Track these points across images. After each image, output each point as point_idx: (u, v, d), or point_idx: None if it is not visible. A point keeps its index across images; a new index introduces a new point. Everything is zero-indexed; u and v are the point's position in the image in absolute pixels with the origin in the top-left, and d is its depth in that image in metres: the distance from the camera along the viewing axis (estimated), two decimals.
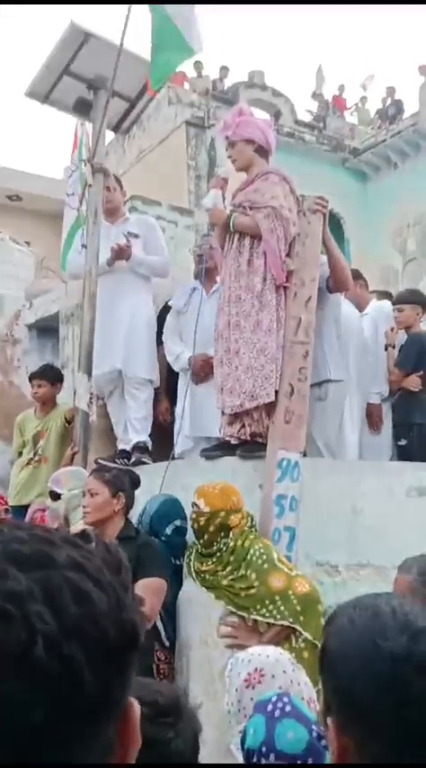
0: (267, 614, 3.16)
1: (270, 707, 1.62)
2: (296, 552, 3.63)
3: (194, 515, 3.43)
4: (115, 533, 3.42)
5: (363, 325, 5.02)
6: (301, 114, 15.30)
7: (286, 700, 1.64)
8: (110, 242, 4.85)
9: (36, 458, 5.28)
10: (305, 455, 3.86)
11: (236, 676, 1.91)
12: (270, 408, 3.81)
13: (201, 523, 3.39)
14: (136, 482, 3.66)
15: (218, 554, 3.37)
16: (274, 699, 1.65)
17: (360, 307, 5.16)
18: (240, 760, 1.94)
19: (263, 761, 1.55)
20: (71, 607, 0.58)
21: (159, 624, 3.45)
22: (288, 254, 3.92)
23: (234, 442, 3.93)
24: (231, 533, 3.37)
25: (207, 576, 3.39)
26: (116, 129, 5.35)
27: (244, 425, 3.89)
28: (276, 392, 3.76)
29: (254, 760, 1.57)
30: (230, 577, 3.30)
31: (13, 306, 7.39)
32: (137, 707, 0.66)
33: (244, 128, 4.13)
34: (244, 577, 3.26)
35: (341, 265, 4.18)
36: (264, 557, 3.28)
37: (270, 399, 3.74)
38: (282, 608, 3.14)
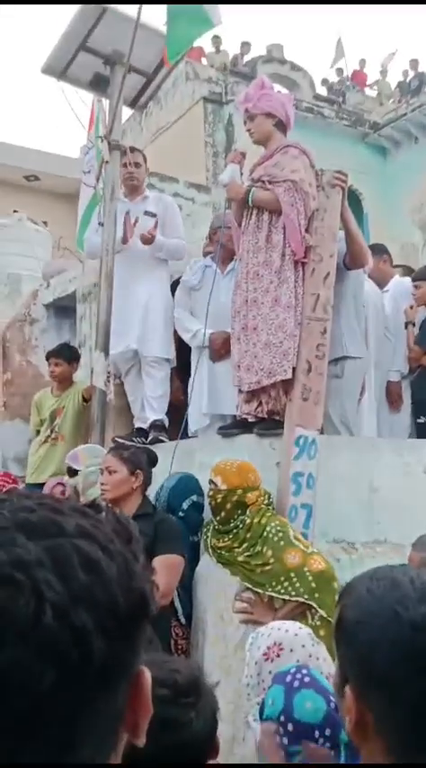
0: (282, 591, 3.17)
1: (289, 678, 1.64)
2: (312, 529, 3.63)
3: (211, 492, 3.44)
4: (133, 511, 3.44)
5: (384, 301, 4.97)
6: (320, 88, 15.11)
7: (304, 671, 1.66)
8: (128, 220, 4.82)
9: (53, 435, 5.31)
10: (322, 432, 3.84)
11: (256, 650, 1.93)
12: (287, 386, 3.79)
13: (218, 501, 3.40)
14: (153, 460, 3.68)
15: (235, 531, 3.38)
16: (293, 670, 1.67)
17: (384, 283, 5.11)
18: (257, 732, 1.96)
19: (281, 730, 1.57)
20: (80, 575, 0.58)
21: (176, 600, 3.47)
22: (306, 230, 3.87)
23: (251, 419, 3.92)
24: (248, 510, 3.38)
25: (223, 553, 3.40)
26: (133, 104, 5.31)
27: (260, 403, 3.88)
28: (293, 369, 3.74)
29: (273, 729, 1.58)
30: (246, 554, 3.31)
31: (30, 285, 7.42)
32: (148, 675, 0.66)
33: (265, 101, 4.08)
34: (259, 554, 3.27)
35: (359, 241, 4.13)
36: (280, 534, 3.29)
37: (288, 376, 3.72)
38: (297, 584, 3.15)
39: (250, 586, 3.27)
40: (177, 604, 3.49)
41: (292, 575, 3.17)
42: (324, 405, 3.91)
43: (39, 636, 0.55)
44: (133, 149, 5.05)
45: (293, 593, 3.15)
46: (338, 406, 4.17)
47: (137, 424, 4.93)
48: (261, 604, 3.24)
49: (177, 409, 4.80)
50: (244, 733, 2.99)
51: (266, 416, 3.89)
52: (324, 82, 16.89)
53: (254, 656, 1.93)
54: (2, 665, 0.54)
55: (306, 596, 3.13)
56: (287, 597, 3.16)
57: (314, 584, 3.14)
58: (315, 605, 3.11)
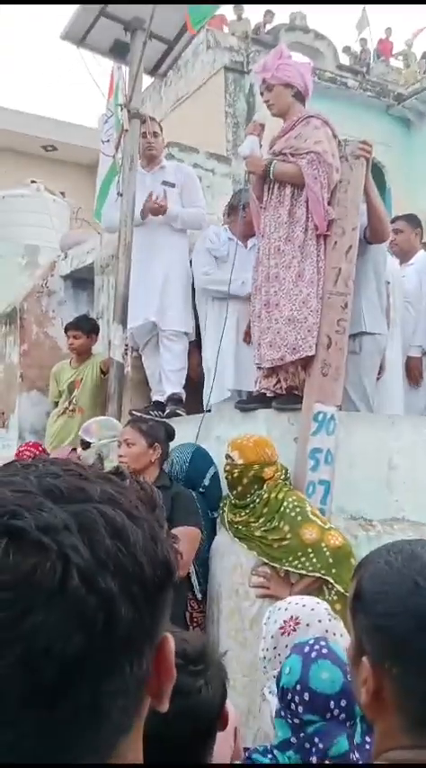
0: (299, 566, 3.18)
1: (307, 648, 1.65)
2: (330, 506, 3.62)
3: (228, 467, 3.43)
4: (151, 483, 3.44)
5: (407, 275, 4.88)
6: (342, 57, 14.80)
7: (323, 643, 1.67)
8: (146, 190, 4.76)
9: (71, 407, 5.32)
10: (340, 409, 3.80)
11: (273, 623, 1.95)
12: (305, 361, 3.75)
13: (235, 475, 3.39)
14: (171, 434, 3.68)
15: (252, 505, 3.38)
16: (311, 641, 1.69)
17: (411, 255, 5.03)
18: (273, 704, 1.97)
19: (297, 698, 1.58)
20: (106, 540, 0.58)
21: (192, 574, 3.48)
22: (329, 202, 3.80)
23: (269, 394, 3.89)
24: (265, 485, 3.37)
25: (240, 527, 3.40)
26: (153, 72, 5.22)
27: (279, 380, 3.84)
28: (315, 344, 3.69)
29: (289, 698, 1.60)
30: (263, 528, 3.31)
31: (48, 257, 7.38)
32: (171, 642, 0.66)
33: (283, 71, 3.97)
34: (277, 529, 3.27)
35: (381, 215, 4.04)
36: (298, 509, 3.29)
37: (313, 352, 3.68)
38: (314, 560, 3.16)
39: (266, 561, 3.28)
40: (193, 578, 3.50)
41: (309, 550, 3.17)
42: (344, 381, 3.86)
43: (66, 600, 0.55)
44: (150, 119, 4.97)
45: (310, 568, 3.15)
46: (356, 381, 4.12)
47: (155, 397, 4.92)
48: (277, 579, 3.25)
49: (195, 384, 4.77)
50: (259, 705, 3.00)
51: (284, 392, 3.86)
52: (346, 50, 16.54)
53: (271, 630, 1.96)
54: (30, 628, 0.54)
55: (323, 572, 3.14)
56: (304, 572, 3.16)
57: (331, 560, 3.14)
58: (331, 580, 3.11)
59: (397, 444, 3.97)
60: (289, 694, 1.60)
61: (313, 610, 1.95)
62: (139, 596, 0.59)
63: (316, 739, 1.54)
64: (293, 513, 3.28)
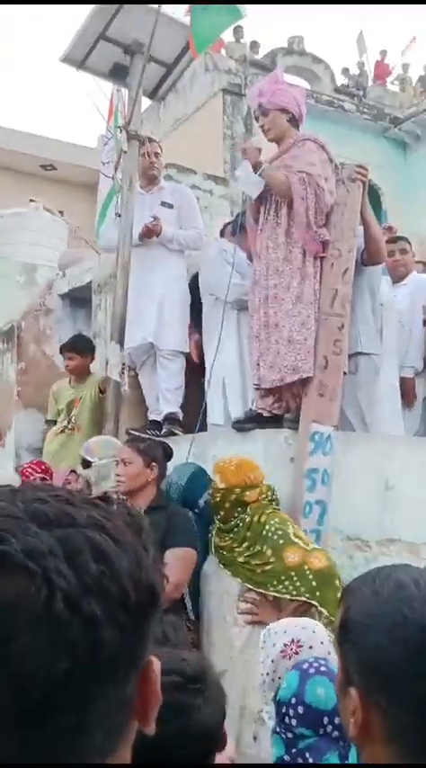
0: (283, 590, 3.10)
1: (305, 665, 1.69)
2: (326, 526, 3.61)
3: (211, 491, 3.38)
4: (147, 503, 3.44)
5: (400, 296, 4.92)
6: (340, 78, 14.93)
7: (322, 661, 1.70)
8: (144, 211, 4.80)
9: (70, 426, 5.31)
10: (337, 429, 3.81)
11: (271, 647, 1.93)
12: (305, 382, 3.76)
13: (217, 499, 3.34)
14: (169, 454, 3.68)
15: (236, 529, 3.31)
16: (311, 660, 1.71)
17: (404, 276, 5.08)
18: (270, 727, 1.96)
19: (292, 711, 1.60)
20: (91, 565, 0.59)
21: (186, 595, 3.45)
22: (324, 225, 3.83)
23: (266, 414, 3.90)
24: (248, 509, 3.30)
25: (224, 553, 3.34)
26: (152, 95, 5.28)
27: (279, 399, 3.85)
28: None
29: (283, 711, 1.62)
30: (246, 554, 3.24)
31: (45, 275, 7.41)
32: (157, 665, 0.67)
33: (279, 96, 4.03)
34: (259, 553, 3.20)
35: (377, 238, 4.08)
36: (280, 532, 3.20)
37: (312, 374, 3.69)
38: (298, 584, 3.07)
39: (251, 587, 3.20)
40: (187, 599, 3.47)
41: (292, 574, 3.09)
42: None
43: (51, 624, 0.56)
44: (150, 139, 5.03)
45: (294, 592, 3.07)
46: (353, 402, 4.14)
47: (152, 417, 4.92)
48: (265, 604, 3.17)
49: (195, 370, 4.69)
50: (254, 732, 2.98)
51: (281, 413, 3.88)
52: (345, 71, 16.72)
53: (271, 654, 1.92)
54: (15, 652, 0.55)
55: (307, 595, 3.05)
56: (288, 597, 3.08)
57: (314, 583, 3.05)
58: (316, 604, 3.02)
59: (393, 465, 3.98)
60: (285, 707, 1.61)
61: (314, 632, 1.94)
62: (124, 620, 0.60)
63: (307, 754, 1.55)
64: (275, 537, 3.19)
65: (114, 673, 0.60)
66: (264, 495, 3.35)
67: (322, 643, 1.90)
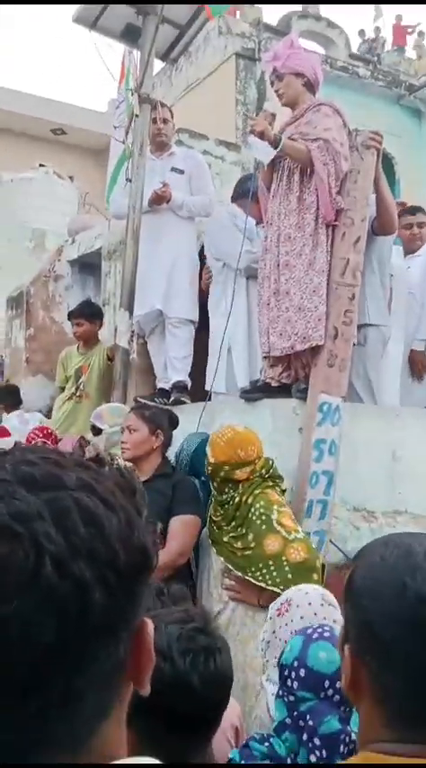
0: (260, 577, 2.99)
1: (310, 630, 1.69)
2: (333, 497, 3.62)
3: (206, 462, 3.27)
4: (152, 470, 3.45)
5: (412, 267, 4.86)
6: (355, 40, 14.62)
7: (327, 628, 1.70)
8: (155, 176, 4.75)
9: (77, 393, 5.33)
10: (345, 400, 3.80)
11: (272, 609, 2.01)
12: (314, 352, 3.74)
13: (209, 472, 3.24)
14: (174, 422, 3.67)
15: (226, 506, 3.20)
16: (316, 625, 1.72)
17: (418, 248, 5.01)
18: (269, 692, 2.00)
19: (294, 674, 1.61)
20: (80, 527, 0.58)
21: (192, 561, 3.47)
22: (338, 192, 3.78)
23: (274, 384, 3.89)
24: (240, 485, 3.15)
25: (215, 528, 3.26)
26: (165, 57, 5.20)
27: (288, 368, 3.83)
28: None
29: (286, 674, 1.63)
30: (231, 534, 3.14)
31: (55, 241, 7.38)
32: (150, 627, 0.67)
33: (294, 60, 3.95)
34: (243, 536, 3.08)
35: (390, 207, 4.02)
36: (263, 517, 3.05)
37: (322, 342, 3.66)
38: (274, 574, 2.96)
39: (231, 568, 3.12)
40: (192, 566, 3.49)
41: (270, 563, 2.97)
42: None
43: (39, 588, 0.55)
44: (161, 104, 4.95)
45: (269, 581, 2.96)
46: (361, 373, 4.12)
47: (160, 385, 4.92)
48: (247, 584, 3.07)
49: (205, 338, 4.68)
50: (254, 698, 3.01)
51: (290, 382, 3.86)
52: (361, 33, 16.38)
53: (270, 614, 2.02)
54: (3, 616, 0.55)
55: (281, 587, 2.88)
56: (263, 585, 2.98)
57: (290, 576, 2.91)
58: None
59: (401, 436, 3.98)
60: (287, 670, 1.64)
61: (306, 593, 1.99)
62: (114, 582, 0.59)
63: (308, 717, 1.57)
64: (259, 522, 3.04)
65: (105, 635, 0.60)
66: (257, 473, 3.18)
67: (309, 604, 1.94)
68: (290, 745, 1.57)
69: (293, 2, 12.00)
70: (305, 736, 1.55)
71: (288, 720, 1.60)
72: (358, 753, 0.98)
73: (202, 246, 4.88)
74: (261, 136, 3.81)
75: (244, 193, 4.30)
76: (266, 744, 1.61)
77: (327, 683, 1.58)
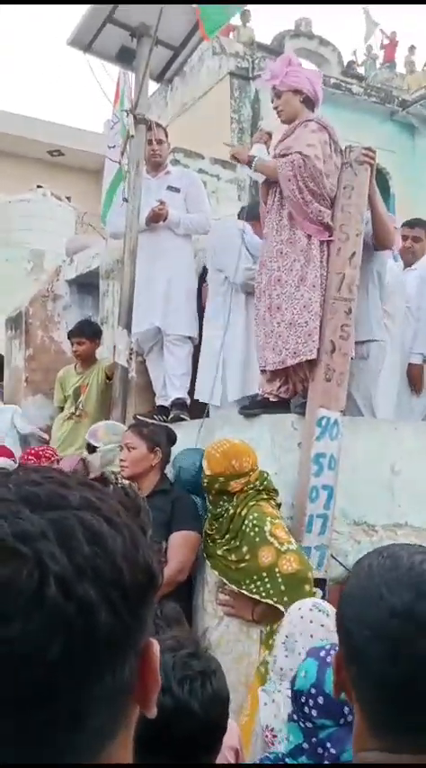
0: (254, 590, 2.99)
1: (322, 653, 1.67)
2: (333, 511, 3.62)
3: (202, 474, 3.30)
4: (151, 487, 3.45)
5: (408, 281, 4.89)
6: (348, 58, 14.74)
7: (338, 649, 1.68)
8: (151, 195, 4.78)
9: (77, 412, 5.34)
10: (344, 414, 3.81)
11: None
12: (311, 366, 3.76)
13: (205, 485, 3.27)
14: (172, 439, 3.68)
15: (220, 519, 3.22)
16: (328, 647, 1.70)
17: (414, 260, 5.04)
18: (262, 702, 1.99)
19: (311, 702, 1.59)
20: (84, 547, 0.58)
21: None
22: (330, 206, 3.81)
23: (272, 399, 3.90)
24: (234, 498, 3.18)
25: (209, 542, 3.27)
26: (159, 78, 5.25)
27: (286, 382, 3.85)
28: (318, 350, 3.70)
29: (302, 701, 1.61)
30: (225, 547, 3.15)
31: (53, 261, 7.42)
32: (156, 648, 0.66)
33: (291, 77, 3.99)
34: (237, 549, 3.09)
35: (384, 222, 4.05)
36: (257, 529, 3.06)
37: (313, 356, 3.68)
38: (268, 585, 2.96)
39: (226, 582, 3.13)
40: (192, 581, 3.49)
41: (264, 575, 2.98)
42: (349, 386, 3.87)
43: (44, 608, 0.55)
44: (156, 125, 5.00)
45: (263, 593, 2.97)
46: (362, 387, 4.13)
47: (159, 402, 4.93)
48: (241, 599, 3.08)
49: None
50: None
51: (288, 397, 3.87)
52: (353, 54, 16.55)
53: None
54: (8, 637, 0.54)
55: (275, 599, 2.93)
56: (257, 597, 2.98)
57: (283, 587, 2.93)
58: (282, 609, 2.83)
59: (400, 450, 3.98)
60: (303, 698, 1.60)
61: (299, 609, 2.09)
62: (119, 602, 0.59)
63: (329, 744, 1.54)
64: (252, 534, 3.05)
65: (111, 656, 0.59)
66: (252, 485, 3.20)
67: (299, 609, 2.04)
68: None
69: (293, 2, 12.10)
70: (326, 764, 1.53)
71: (305, 746, 1.58)
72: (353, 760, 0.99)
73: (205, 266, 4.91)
74: (236, 160, 3.90)
75: (257, 216, 4.33)
76: (281, 764, 1.59)
77: (346, 710, 1.55)
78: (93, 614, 0.57)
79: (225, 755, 1.82)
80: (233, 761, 1.89)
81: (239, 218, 4.72)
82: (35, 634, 0.54)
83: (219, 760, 1.72)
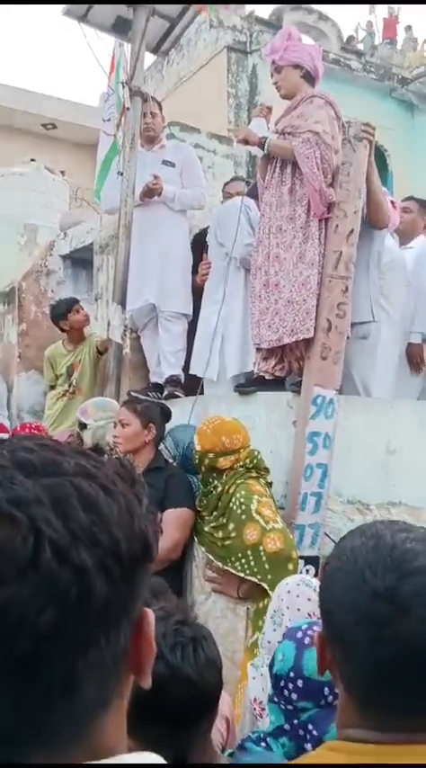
0: (239, 567, 3.01)
1: (299, 634, 1.66)
2: (327, 489, 3.61)
3: (194, 451, 3.30)
4: (145, 464, 3.44)
5: (406, 259, 4.85)
6: (347, 33, 14.54)
7: (316, 628, 1.66)
8: (146, 170, 4.72)
9: (71, 389, 5.32)
10: (340, 392, 3.79)
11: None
12: (307, 344, 3.73)
13: (196, 461, 3.27)
14: (167, 415, 3.66)
15: (209, 496, 3.23)
16: (304, 627, 1.69)
17: (411, 237, 5.01)
18: (251, 676, 2.00)
19: (291, 685, 1.59)
20: (80, 513, 0.58)
21: None
22: (331, 184, 3.76)
23: (268, 377, 3.88)
24: (224, 476, 3.19)
25: (197, 519, 3.28)
26: (155, 50, 5.16)
27: (281, 360, 3.82)
28: (314, 328, 3.67)
29: (282, 684, 1.60)
30: (213, 524, 3.17)
31: (47, 236, 7.34)
32: (151, 617, 0.66)
33: (292, 52, 3.93)
34: (223, 526, 3.11)
35: (378, 200, 4.00)
36: (243, 506, 3.07)
37: (310, 335, 3.65)
38: (252, 563, 2.98)
39: (212, 558, 3.15)
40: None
41: (249, 552, 2.99)
42: (348, 365, 3.85)
43: (38, 574, 0.55)
44: (152, 98, 4.92)
45: (248, 571, 2.99)
46: (362, 367, 4.11)
47: (153, 379, 4.91)
48: (227, 576, 3.09)
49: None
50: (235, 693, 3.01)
51: (284, 375, 3.85)
52: (352, 37, 16.32)
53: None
54: (2, 601, 0.54)
55: (259, 577, 2.95)
56: (242, 575, 3.00)
57: (267, 566, 2.95)
58: (266, 587, 2.89)
59: (395, 428, 3.97)
60: (283, 681, 1.60)
61: (287, 583, 2.10)
62: (115, 570, 0.59)
63: (310, 726, 1.55)
64: (239, 511, 3.07)
65: (105, 623, 0.59)
66: (241, 463, 3.20)
67: (286, 583, 2.05)
68: (289, 751, 1.55)
69: (284, 1, 11.94)
70: (309, 746, 1.53)
71: (286, 727, 1.58)
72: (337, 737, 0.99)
73: (196, 240, 4.86)
74: (246, 143, 3.83)
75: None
76: (263, 744, 1.59)
77: (327, 690, 1.55)
78: (88, 580, 0.57)
79: (216, 725, 1.84)
80: (224, 730, 1.90)
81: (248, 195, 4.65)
82: (29, 599, 0.54)
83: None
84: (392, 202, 4.43)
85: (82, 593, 0.56)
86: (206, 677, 1.35)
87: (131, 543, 0.61)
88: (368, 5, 17.21)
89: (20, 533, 0.55)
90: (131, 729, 0.66)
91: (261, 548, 2.97)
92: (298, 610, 1.99)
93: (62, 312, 5.52)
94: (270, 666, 1.69)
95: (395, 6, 17.05)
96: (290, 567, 2.94)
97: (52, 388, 5.56)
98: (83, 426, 4.04)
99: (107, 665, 0.60)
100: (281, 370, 3.86)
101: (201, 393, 4.16)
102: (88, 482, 0.60)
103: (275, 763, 1.47)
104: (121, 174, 4.59)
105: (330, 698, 1.55)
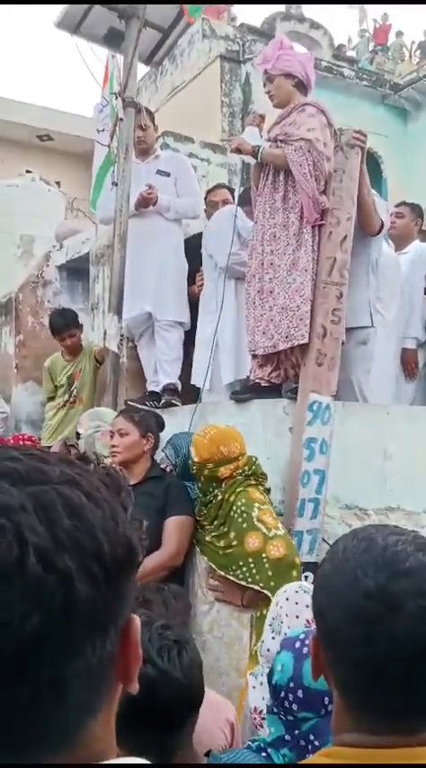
0: (241, 576, 3.00)
1: (297, 644, 1.64)
2: (325, 495, 3.62)
3: (191, 462, 3.30)
4: (143, 473, 3.45)
5: (401, 264, 4.88)
6: (339, 42, 14.62)
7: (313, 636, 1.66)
8: (140, 180, 4.74)
9: (71, 399, 5.33)
10: (336, 398, 3.80)
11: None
12: (303, 351, 3.74)
13: (194, 472, 3.26)
14: (161, 424, 3.68)
15: (209, 506, 3.22)
16: (302, 636, 1.67)
17: (405, 243, 5.03)
18: (251, 685, 2.00)
19: (291, 696, 1.57)
20: (64, 520, 0.58)
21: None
22: (323, 191, 3.78)
23: (263, 384, 3.89)
24: (223, 484, 3.18)
25: (198, 528, 3.28)
26: (148, 61, 5.19)
27: (277, 367, 3.84)
28: (309, 334, 3.68)
29: (282, 695, 1.59)
30: (213, 533, 3.16)
31: (43, 247, 7.35)
32: (137, 623, 0.66)
33: (284, 61, 3.94)
34: (225, 535, 3.10)
35: (368, 207, 4.01)
36: (244, 515, 3.06)
37: (305, 341, 3.66)
38: (254, 571, 2.97)
39: (215, 567, 3.14)
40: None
41: (251, 560, 2.98)
42: (348, 371, 3.86)
43: (24, 579, 0.55)
44: (146, 110, 4.94)
45: (250, 579, 2.98)
46: (360, 373, 4.12)
47: (150, 388, 4.91)
48: (230, 585, 3.09)
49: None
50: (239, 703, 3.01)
51: (280, 382, 3.86)
52: (343, 45, 16.42)
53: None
54: None
55: (261, 584, 2.94)
56: (244, 583, 2.99)
57: (270, 573, 2.93)
58: (269, 594, 2.86)
59: (392, 434, 3.98)
60: (283, 692, 1.58)
61: (285, 591, 2.08)
62: (100, 576, 0.59)
63: (312, 736, 1.53)
64: (240, 519, 3.05)
65: (91, 628, 0.59)
66: (240, 471, 3.19)
67: (285, 591, 2.03)
68: (289, 761, 1.55)
69: (276, 2, 12.00)
70: (311, 756, 1.52)
71: (287, 737, 1.57)
72: (332, 742, 0.99)
73: (186, 245, 4.88)
74: (239, 153, 3.86)
75: (248, 201, 4.29)
76: (263, 754, 1.58)
77: (327, 700, 1.53)
78: (73, 586, 0.57)
79: (222, 729, 1.84)
80: (229, 734, 1.91)
81: (239, 204, 4.67)
82: (14, 605, 0.55)
83: (216, 733, 1.73)
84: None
85: (67, 599, 0.57)
86: (191, 677, 1.39)
87: (115, 548, 0.61)
88: (359, 6, 17.29)
89: (5, 540, 0.55)
90: (118, 737, 0.66)
91: (263, 555, 2.96)
92: (297, 617, 1.99)
93: (58, 333, 5.47)
94: (269, 677, 1.68)
95: (388, 12, 17.13)
96: (294, 573, 2.94)
97: (50, 399, 5.55)
98: (79, 436, 4.07)
99: (95, 670, 0.60)
100: (277, 377, 3.87)
101: (199, 401, 4.17)
102: (72, 489, 0.61)
103: (254, 763, 1.49)
104: (116, 185, 4.61)
105: (330, 707, 1.54)
